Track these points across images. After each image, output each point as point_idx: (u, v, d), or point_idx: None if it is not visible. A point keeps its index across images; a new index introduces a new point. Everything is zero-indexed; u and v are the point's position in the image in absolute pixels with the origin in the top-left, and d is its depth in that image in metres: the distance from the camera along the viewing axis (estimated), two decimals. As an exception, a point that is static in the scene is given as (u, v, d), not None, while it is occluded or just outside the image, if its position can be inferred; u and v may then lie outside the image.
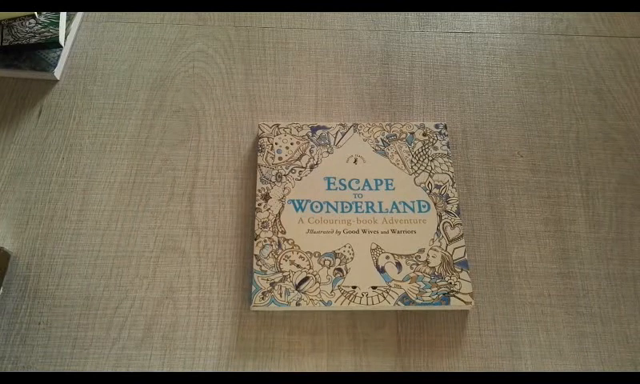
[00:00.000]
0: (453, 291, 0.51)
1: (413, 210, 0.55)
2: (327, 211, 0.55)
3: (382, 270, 0.52)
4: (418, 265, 0.52)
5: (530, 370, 0.50)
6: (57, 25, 0.63)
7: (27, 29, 0.63)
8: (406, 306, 0.51)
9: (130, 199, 0.57)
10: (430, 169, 0.57)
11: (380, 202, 0.55)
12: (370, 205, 0.55)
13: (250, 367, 0.50)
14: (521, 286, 0.54)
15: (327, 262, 0.52)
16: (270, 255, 0.52)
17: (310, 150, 0.58)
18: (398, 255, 0.53)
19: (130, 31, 0.68)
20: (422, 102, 0.64)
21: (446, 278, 0.52)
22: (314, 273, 0.52)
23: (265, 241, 0.53)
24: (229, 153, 0.60)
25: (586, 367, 0.50)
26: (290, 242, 0.53)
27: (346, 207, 0.55)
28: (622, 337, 0.52)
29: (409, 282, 0.51)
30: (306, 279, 0.51)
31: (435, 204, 0.55)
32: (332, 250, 0.53)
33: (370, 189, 0.56)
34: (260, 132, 0.59)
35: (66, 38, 0.65)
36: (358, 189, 0.56)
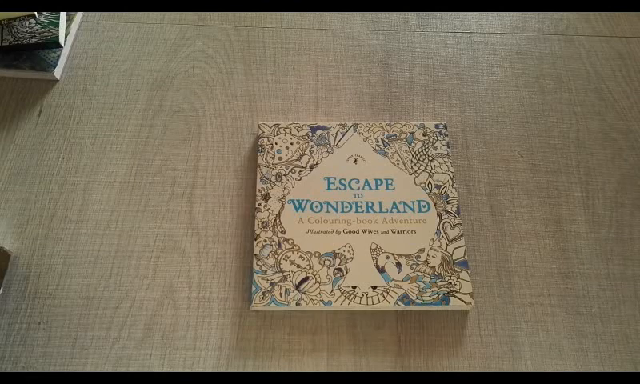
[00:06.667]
0: (453, 291, 0.51)
1: (413, 209, 0.55)
2: (327, 211, 0.55)
3: (381, 270, 0.52)
4: (418, 265, 0.52)
5: (530, 370, 0.50)
6: (57, 25, 0.63)
7: (27, 29, 0.63)
8: (406, 306, 0.51)
9: (130, 199, 0.57)
10: (430, 169, 0.57)
11: (380, 202, 0.55)
12: (369, 205, 0.55)
13: (250, 367, 0.50)
14: (521, 285, 0.54)
15: (327, 262, 0.52)
16: (270, 255, 0.52)
17: (309, 150, 0.58)
18: (397, 255, 0.53)
19: (130, 31, 0.68)
20: (422, 102, 0.64)
21: (446, 278, 0.52)
22: (314, 273, 0.52)
23: (265, 241, 0.53)
24: (229, 153, 0.60)
25: (586, 367, 0.50)
26: (289, 241, 0.53)
27: (346, 207, 0.55)
28: (622, 337, 0.52)
29: (409, 281, 0.51)
30: (305, 279, 0.51)
31: (435, 204, 0.55)
32: (332, 250, 0.53)
33: (370, 189, 0.56)
34: (260, 132, 0.59)
35: (66, 38, 0.65)
36: (358, 189, 0.56)
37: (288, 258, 0.52)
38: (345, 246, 0.53)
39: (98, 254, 0.54)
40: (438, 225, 0.54)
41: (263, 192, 0.56)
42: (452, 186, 0.57)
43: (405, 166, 0.57)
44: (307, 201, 0.55)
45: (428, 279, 0.51)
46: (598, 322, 0.52)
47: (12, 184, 0.58)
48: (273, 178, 0.56)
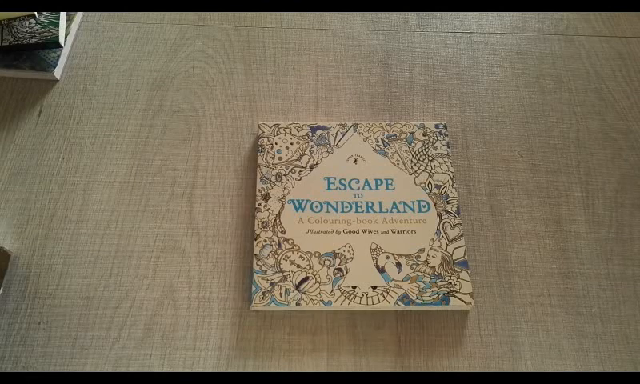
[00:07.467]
0: (453, 291, 0.51)
1: (413, 209, 0.55)
2: (327, 211, 0.55)
3: (381, 270, 0.52)
4: (418, 265, 0.52)
5: (530, 370, 0.50)
6: (57, 25, 0.63)
7: (27, 29, 0.63)
8: (406, 306, 0.51)
9: (130, 199, 0.57)
10: (430, 169, 0.57)
11: (380, 202, 0.55)
12: (369, 205, 0.55)
13: (250, 367, 0.50)
14: (521, 285, 0.54)
15: (327, 262, 0.52)
16: (270, 255, 0.52)
17: (309, 150, 0.58)
18: (397, 255, 0.53)
19: (130, 31, 0.68)
20: (422, 102, 0.64)
21: (446, 278, 0.52)
22: (314, 273, 0.52)
23: (265, 241, 0.53)
24: (229, 153, 0.60)
25: (586, 367, 0.50)
26: (289, 241, 0.53)
27: (346, 207, 0.55)
28: (622, 337, 0.52)
29: (409, 281, 0.51)
30: (305, 279, 0.51)
31: (435, 204, 0.55)
32: (332, 250, 0.53)
33: (370, 189, 0.56)
34: (260, 132, 0.59)
35: (66, 38, 0.65)
36: (358, 189, 0.56)
37: (288, 258, 0.52)
38: (345, 246, 0.53)
39: (98, 254, 0.54)
40: (438, 225, 0.54)
41: (263, 192, 0.56)
42: (452, 186, 0.57)
43: (405, 166, 0.57)
44: (307, 201, 0.55)
45: (428, 279, 0.51)
46: (598, 322, 0.52)
47: (12, 184, 0.58)
48: (273, 178, 0.56)
